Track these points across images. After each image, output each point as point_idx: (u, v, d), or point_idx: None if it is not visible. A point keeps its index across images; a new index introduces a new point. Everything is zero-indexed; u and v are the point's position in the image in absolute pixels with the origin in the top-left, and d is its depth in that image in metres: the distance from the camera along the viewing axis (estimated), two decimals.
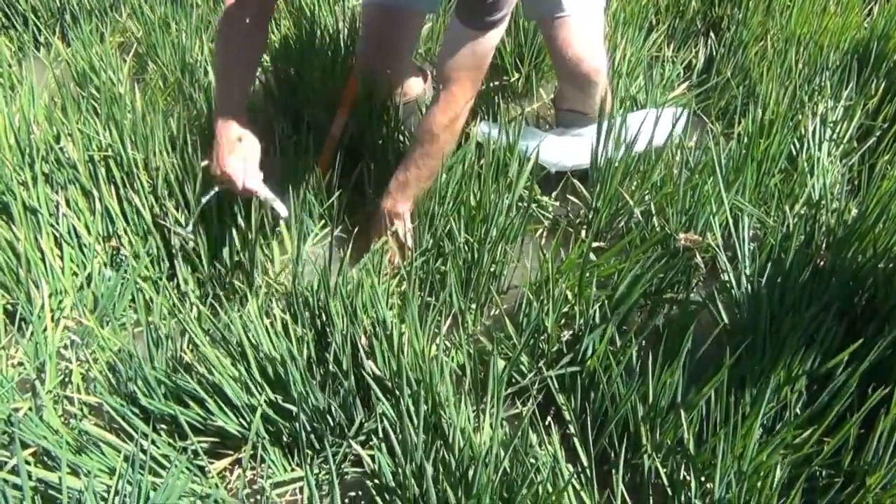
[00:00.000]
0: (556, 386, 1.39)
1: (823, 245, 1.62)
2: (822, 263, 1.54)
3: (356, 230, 1.72)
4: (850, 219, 1.60)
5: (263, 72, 2.06)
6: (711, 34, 2.39)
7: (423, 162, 1.56)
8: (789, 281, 1.47)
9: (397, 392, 1.27)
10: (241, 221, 1.57)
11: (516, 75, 2.21)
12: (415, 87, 2.01)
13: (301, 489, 1.31)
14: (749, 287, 1.52)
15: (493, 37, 1.49)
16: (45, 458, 1.20)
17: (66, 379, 1.39)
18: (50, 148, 1.62)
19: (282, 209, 1.49)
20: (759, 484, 1.16)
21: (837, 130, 1.93)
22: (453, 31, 1.50)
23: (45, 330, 1.42)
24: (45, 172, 1.59)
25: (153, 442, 1.21)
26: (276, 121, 1.87)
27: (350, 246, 1.57)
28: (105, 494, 1.15)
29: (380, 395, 1.27)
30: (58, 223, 1.56)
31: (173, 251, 1.57)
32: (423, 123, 1.56)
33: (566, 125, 1.88)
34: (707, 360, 1.39)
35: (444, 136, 1.55)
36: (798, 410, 1.29)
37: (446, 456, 1.20)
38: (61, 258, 1.55)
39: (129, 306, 1.54)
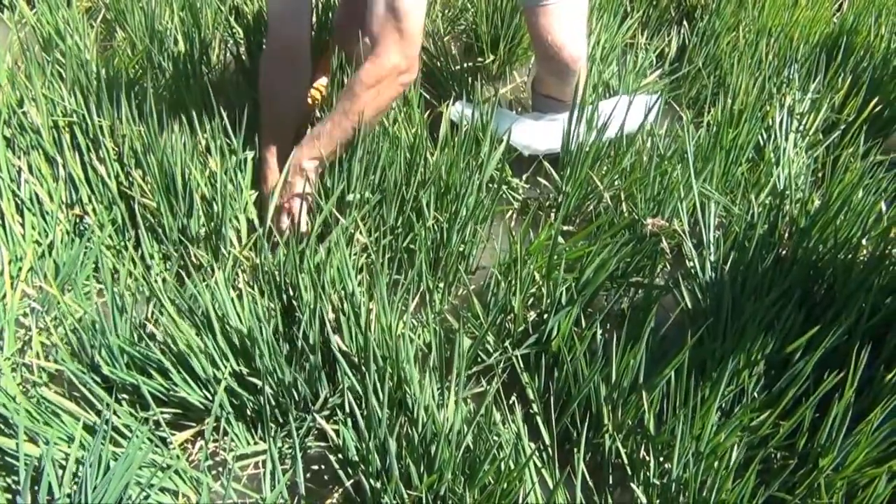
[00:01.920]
0: (521, 365, 1.40)
1: (787, 234, 1.65)
2: (784, 252, 1.57)
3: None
4: (813, 209, 1.64)
5: (235, 43, 2.04)
6: (685, 23, 2.41)
7: (338, 119, 1.50)
8: (752, 268, 1.50)
9: (363, 368, 1.27)
10: (206, 192, 1.55)
11: (491, 57, 2.21)
12: None
13: (263, 462, 1.31)
14: (713, 273, 1.55)
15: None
16: (2, 426, 1.18)
17: (26, 346, 1.36)
18: (12, 112, 1.59)
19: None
20: (715, 464, 1.19)
21: (804, 122, 1.96)
22: None
23: (3, 297, 1.39)
24: (6, 137, 1.56)
25: (114, 412, 1.20)
26: (245, 93, 1.85)
27: (319, 217, 1.56)
28: (63, 462, 1.14)
29: (346, 369, 1.27)
30: (19, 189, 1.53)
31: (137, 221, 1.54)
32: (349, 80, 1.51)
33: (541, 109, 1.88)
34: (669, 344, 1.42)
35: (363, 97, 1.48)
36: (756, 394, 1.32)
37: (410, 431, 1.21)
38: (22, 225, 1.52)
39: (93, 276, 1.52)
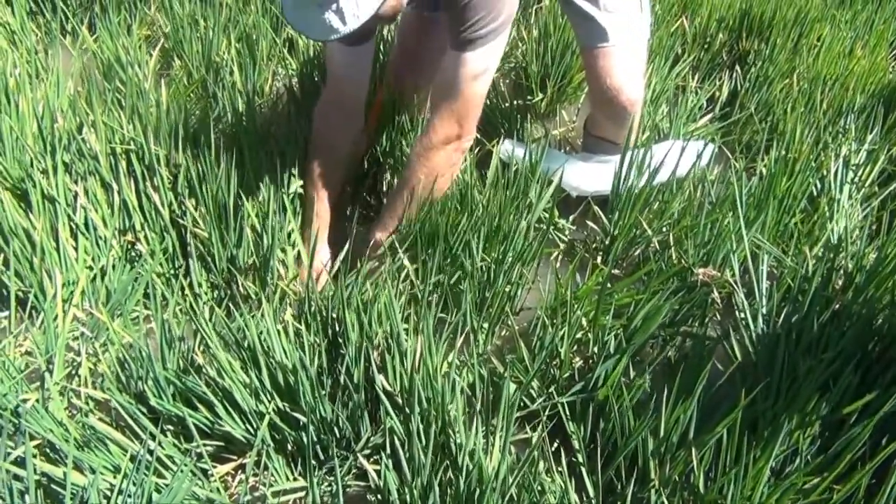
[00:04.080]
0: (567, 413, 1.38)
1: (840, 288, 1.61)
2: (838, 307, 1.54)
3: (373, 241, 1.71)
4: (869, 264, 1.60)
5: (289, 75, 2.07)
6: (737, 68, 2.40)
7: (411, 191, 1.55)
8: (806, 323, 1.47)
9: (407, 409, 1.26)
10: (256, 224, 1.56)
11: (540, 95, 2.22)
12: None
13: (302, 499, 1.30)
14: (765, 326, 1.52)
15: (474, 60, 1.44)
16: (49, 452, 1.19)
17: (74, 372, 1.38)
18: (72, 138, 1.62)
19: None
20: None
21: (860, 174, 1.93)
22: (445, 55, 1.49)
23: (55, 319, 1.41)
24: (65, 162, 1.59)
25: (159, 443, 1.20)
26: (298, 125, 1.87)
27: (367, 255, 1.57)
28: (108, 493, 1.14)
29: (390, 410, 1.26)
30: (75, 214, 1.55)
31: (189, 250, 1.56)
32: (414, 153, 1.55)
33: (592, 150, 1.88)
34: (720, 398, 1.38)
35: (418, 168, 1.52)
36: (809, 457, 1.29)
37: (454, 477, 1.19)
38: (76, 249, 1.54)
39: (142, 302, 1.54)
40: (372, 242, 1.61)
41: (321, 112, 1.67)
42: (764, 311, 1.54)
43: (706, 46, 2.47)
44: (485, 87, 1.50)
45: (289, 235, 1.59)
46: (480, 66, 1.46)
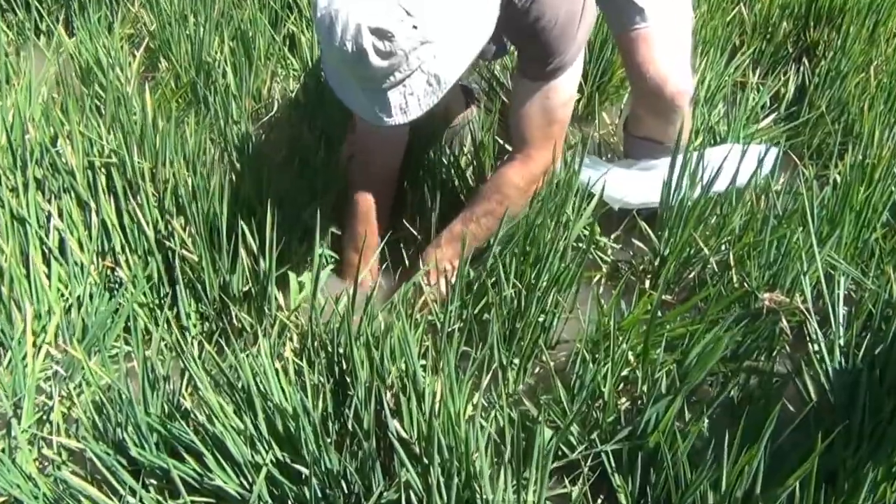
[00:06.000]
0: (612, 464, 1.36)
1: None
2: None
3: (385, 265, 1.71)
4: None
5: (290, 77, 2.08)
6: (804, 61, 2.38)
7: (484, 220, 1.60)
8: (892, 356, 1.43)
9: (426, 459, 1.24)
10: (253, 246, 1.56)
11: (577, 96, 2.20)
12: (457, 109, 2.01)
13: None
14: (843, 360, 1.49)
15: (563, 85, 1.51)
16: None
17: (45, 417, 1.38)
18: (45, 150, 1.64)
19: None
20: None
21: None
22: (517, 87, 1.55)
23: (24, 357, 1.42)
24: (37, 178, 1.61)
25: (140, 499, 1.19)
26: (301, 133, 1.88)
27: (378, 282, 1.56)
28: None
29: (405, 461, 1.24)
30: (48, 236, 1.56)
31: (176, 276, 1.56)
32: (495, 179, 1.61)
33: (636, 155, 1.87)
34: (791, 444, 1.36)
35: (514, 199, 1.59)
36: None
37: None
38: (48, 277, 1.55)
39: (122, 336, 1.54)
40: (436, 262, 1.65)
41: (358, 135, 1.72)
42: (841, 342, 1.51)
43: (768, 37, 2.45)
44: (571, 108, 1.59)
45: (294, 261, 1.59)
46: (570, 88, 1.54)
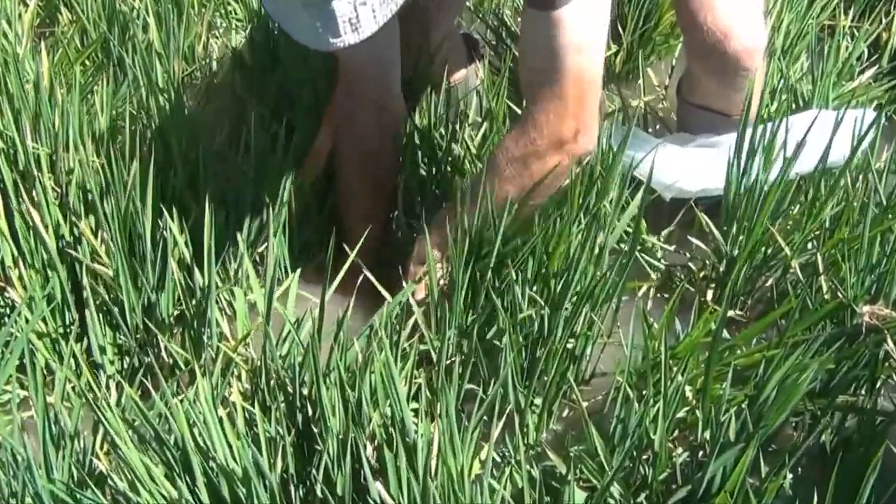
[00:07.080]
0: None
1: None
2: None
3: (361, 277, 1.71)
4: None
5: (232, 29, 2.09)
6: None
7: (470, 203, 1.56)
8: None
9: None
10: (186, 255, 1.57)
11: (613, 48, 2.22)
12: (458, 62, 2.02)
13: None
14: None
15: (577, 20, 1.43)
16: None
17: None
18: None
19: None
20: None
21: None
22: (523, 22, 1.51)
23: None
24: None
25: None
26: (248, 104, 1.88)
27: (353, 299, 1.57)
28: None
29: None
30: None
31: (85, 297, 1.57)
32: (496, 148, 1.60)
33: (693, 128, 1.88)
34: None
35: (508, 172, 1.54)
36: None
37: None
38: None
39: (16, 378, 1.54)
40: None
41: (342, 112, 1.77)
42: None
43: None
44: (597, 65, 1.50)
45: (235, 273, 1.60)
46: (587, 28, 1.46)
